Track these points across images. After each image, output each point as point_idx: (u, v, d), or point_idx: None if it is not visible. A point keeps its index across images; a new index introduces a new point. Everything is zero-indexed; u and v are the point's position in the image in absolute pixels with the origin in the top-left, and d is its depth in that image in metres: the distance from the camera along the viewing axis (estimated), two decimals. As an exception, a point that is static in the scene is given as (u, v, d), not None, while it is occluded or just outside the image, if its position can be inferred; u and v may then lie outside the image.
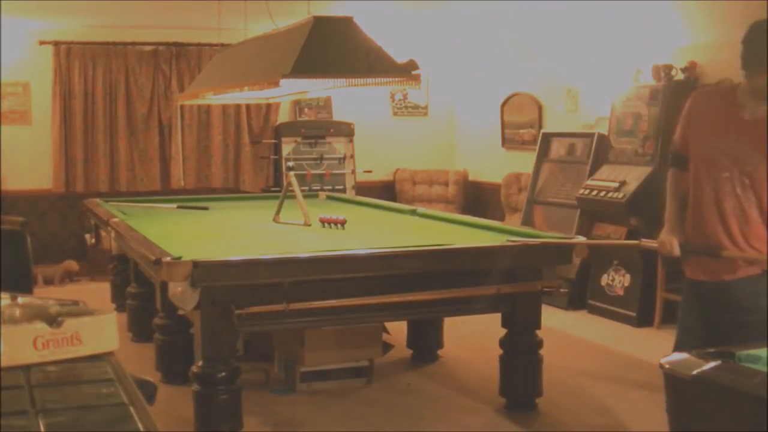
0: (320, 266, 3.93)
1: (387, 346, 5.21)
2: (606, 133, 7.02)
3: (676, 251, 3.27)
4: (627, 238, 6.57)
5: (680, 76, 6.52)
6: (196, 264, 3.65)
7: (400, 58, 4.48)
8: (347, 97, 8.87)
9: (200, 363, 3.90)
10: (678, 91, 6.49)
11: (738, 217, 3.14)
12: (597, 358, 5.67)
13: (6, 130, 8.25)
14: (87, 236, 7.90)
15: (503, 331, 4.54)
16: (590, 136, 7.35)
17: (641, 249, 3.63)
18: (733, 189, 3.14)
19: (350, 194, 8.35)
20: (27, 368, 1.76)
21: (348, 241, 4.47)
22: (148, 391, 2.03)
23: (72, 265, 8.27)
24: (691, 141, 3.27)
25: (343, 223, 4.96)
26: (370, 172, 9.11)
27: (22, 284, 3.37)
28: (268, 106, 8.87)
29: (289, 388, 4.88)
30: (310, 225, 5.07)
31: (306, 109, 9.21)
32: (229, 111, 8.87)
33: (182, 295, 3.68)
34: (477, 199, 9.27)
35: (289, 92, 5.52)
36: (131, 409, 1.55)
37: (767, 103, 3.08)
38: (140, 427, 1.46)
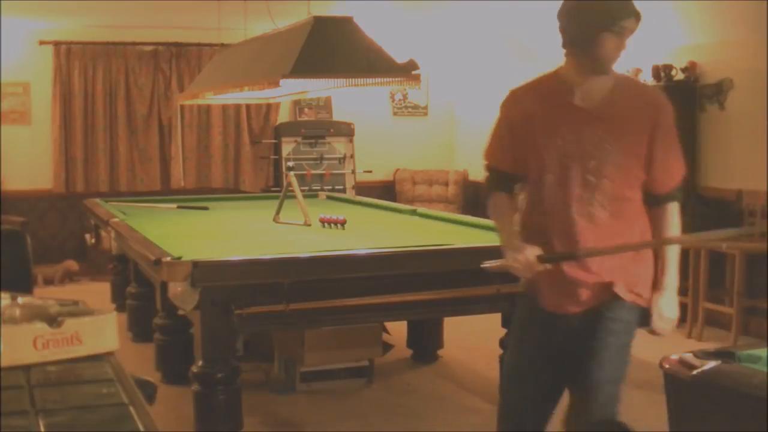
0: (320, 266, 3.93)
1: (387, 346, 5.20)
2: (606, 133, 7.01)
3: (536, 266, 2.69)
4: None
5: (680, 76, 6.52)
6: (196, 264, 3.65)
7: (400, 58, 4.48)
8: (347, 97, 8.87)
9: (200, 363, 3.89)
10: (678, 91, 6.50)
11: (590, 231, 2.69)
12: (597, 358, 5.67)
13: (6, 130, 8.25)
14: (87, 236, 7.90)
15: (503, 331, 4.54)
16: (590, 136, 7.34)
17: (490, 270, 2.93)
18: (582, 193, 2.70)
19: (350, 194, 8.34)
20: (27, 368, 1.76)
21: (348, 241, 4.47)
22: (148, 391, 2.03)
23: (72, 265, 8.27)
24: (520, 150, 2.80)
25: (343, 223, 4.95)
26: (370, 172, 9.11)
27: (22, 284, 3.37)
28: (268, 106, 8.87)
29: (289, 388, 4.88)
30: (310, 225, 5.07)
31: (306, 109, 9.21)
32: (229, 111, 8.87)
33: (182, 295, 3.68)
34: (477, 199, 9.26)
35: (289, 92, 5.52)
36: (131, 409, 1.55)
37: (601, 74, 2.69)
38: (140, 427, 1.46)
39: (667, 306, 2.80)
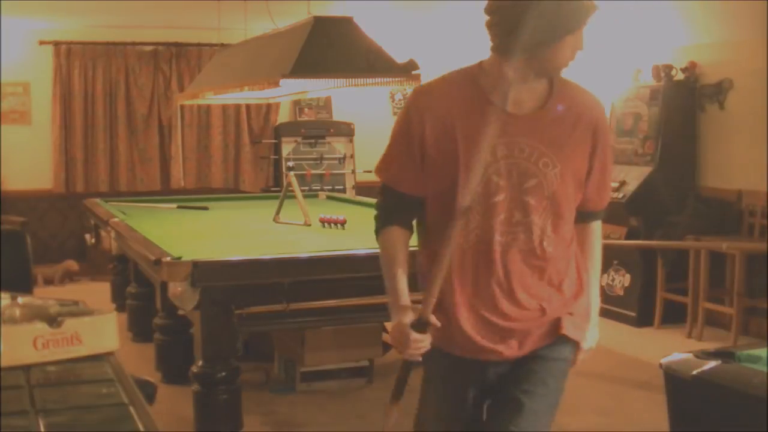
0: (320, 266, 3.93)
1: (387, 346, 5.20)
2: (606, 133, 7.01)
3: (410, 335, 2.20)
4: (627, 238, 6.56)
5: (680, 76, 6.53)
6: (196, 264, 3.65)
7: (400, 58, 4.48)
8: (347, 97, 8.87)
9: (200, 363, 3.89)
10: (678, 91, 6.51)
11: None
12: (597, 358, 5.64)
13: (6, 130, 8.25)
14: (87, 236, 7.91)
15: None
16: (590, 136, 7.34)
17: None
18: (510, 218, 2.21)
19: (350, 194, 8.34)
20: (27, 368, 1.76)
21: (348, 241, 4.47)
22: (148, 391, 2.03)
23: (72, 265, 8.27)
24: (431, 168, 2.23)
25: (343, 223, 4.96)
26: (370, 172, 9.08)
27: (22, 284, 3.38)
28: (268, 106, 8.87)
29: (289, 388, 4.88)
30: (310, 225, 5.07)
31: (306, 109, 9.21)
32: (229, 111, 8.87)
33: (182, 295, 3.68)
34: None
35: (289, 92, 5.52)
36: (131, 409, 1.55)
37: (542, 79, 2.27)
38: (140, 427, 1.46)
39: (590, 339, 2.42)
